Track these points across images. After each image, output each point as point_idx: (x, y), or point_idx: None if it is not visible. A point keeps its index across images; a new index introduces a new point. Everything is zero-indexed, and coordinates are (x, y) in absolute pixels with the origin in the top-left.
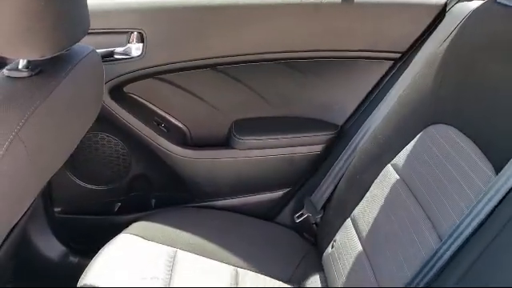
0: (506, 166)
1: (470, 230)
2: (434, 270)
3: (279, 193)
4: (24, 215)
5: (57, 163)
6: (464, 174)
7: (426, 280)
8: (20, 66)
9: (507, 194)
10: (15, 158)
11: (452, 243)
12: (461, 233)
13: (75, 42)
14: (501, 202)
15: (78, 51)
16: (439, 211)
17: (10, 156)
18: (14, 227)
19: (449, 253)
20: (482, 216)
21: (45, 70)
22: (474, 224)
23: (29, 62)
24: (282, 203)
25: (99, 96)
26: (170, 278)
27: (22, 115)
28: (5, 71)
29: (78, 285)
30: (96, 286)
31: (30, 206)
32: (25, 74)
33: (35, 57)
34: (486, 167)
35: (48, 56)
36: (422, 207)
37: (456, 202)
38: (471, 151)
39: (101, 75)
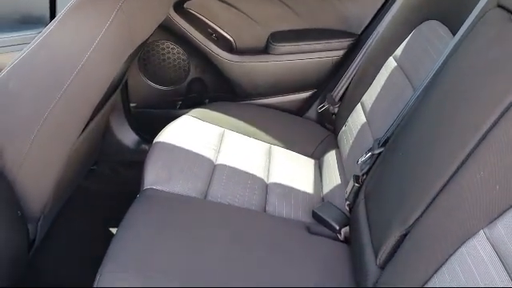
0: (458, 32)
1: (429, 78)
2: (406, 110)
3: (307, 93)
4: (105, 105)
5: (144, 34)
6: (433, 44)
7: (400, 118)
8: None
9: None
10: (119, 23)
11: (418, 91)
12: (423, 82)
13: None
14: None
15: None
16: (416, 74)
17: (117, 21)
18: (98, 111)
19: (415, 98)
20: (436, 67)
21: None
22: (432, 73)
23: None
24: (309, 102)
25: None
26: (220, 146)
27: None
28: None
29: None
30: (167, 142)
31: (110, 96)
32: None
33: None
34: (447, 36)
35: None
36: (408, 78)
37: (426, 63)
38: (441, 31)
39: None
